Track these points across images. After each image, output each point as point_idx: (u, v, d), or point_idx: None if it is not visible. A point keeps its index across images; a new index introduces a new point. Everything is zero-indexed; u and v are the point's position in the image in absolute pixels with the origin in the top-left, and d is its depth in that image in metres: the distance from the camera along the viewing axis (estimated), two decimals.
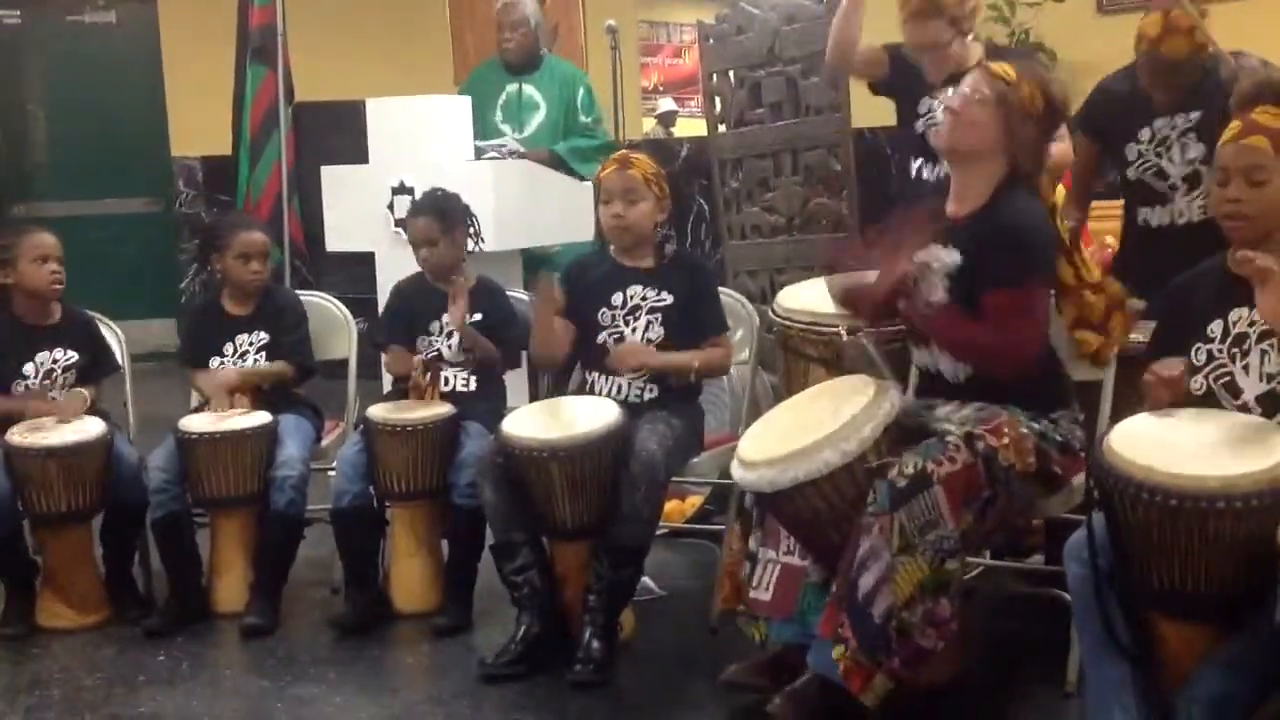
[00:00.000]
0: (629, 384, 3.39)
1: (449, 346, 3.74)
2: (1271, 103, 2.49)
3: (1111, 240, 3.81)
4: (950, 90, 3.46)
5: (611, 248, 3.51)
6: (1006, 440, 2.64)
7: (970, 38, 3.61)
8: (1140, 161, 3.40)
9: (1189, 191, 3.35)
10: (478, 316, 3.73)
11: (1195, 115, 3.30)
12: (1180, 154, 3.33)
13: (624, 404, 3.31)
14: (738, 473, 2.73)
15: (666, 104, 11.83)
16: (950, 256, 2.78)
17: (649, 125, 11.51)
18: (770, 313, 3.64)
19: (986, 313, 2.70)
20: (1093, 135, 3.58)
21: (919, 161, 3.78)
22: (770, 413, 2.94)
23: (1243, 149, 2.48)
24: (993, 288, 2.69)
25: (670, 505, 4.23)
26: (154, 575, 3.79)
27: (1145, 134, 3.38)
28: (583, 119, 5.35)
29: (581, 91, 5.37)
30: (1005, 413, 2.69)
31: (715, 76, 5.26)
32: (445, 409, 3.63)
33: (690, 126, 10.01)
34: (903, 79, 3.78)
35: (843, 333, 3.22)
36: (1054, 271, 2.79)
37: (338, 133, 5.95)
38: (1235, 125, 2.52)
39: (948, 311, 2.78)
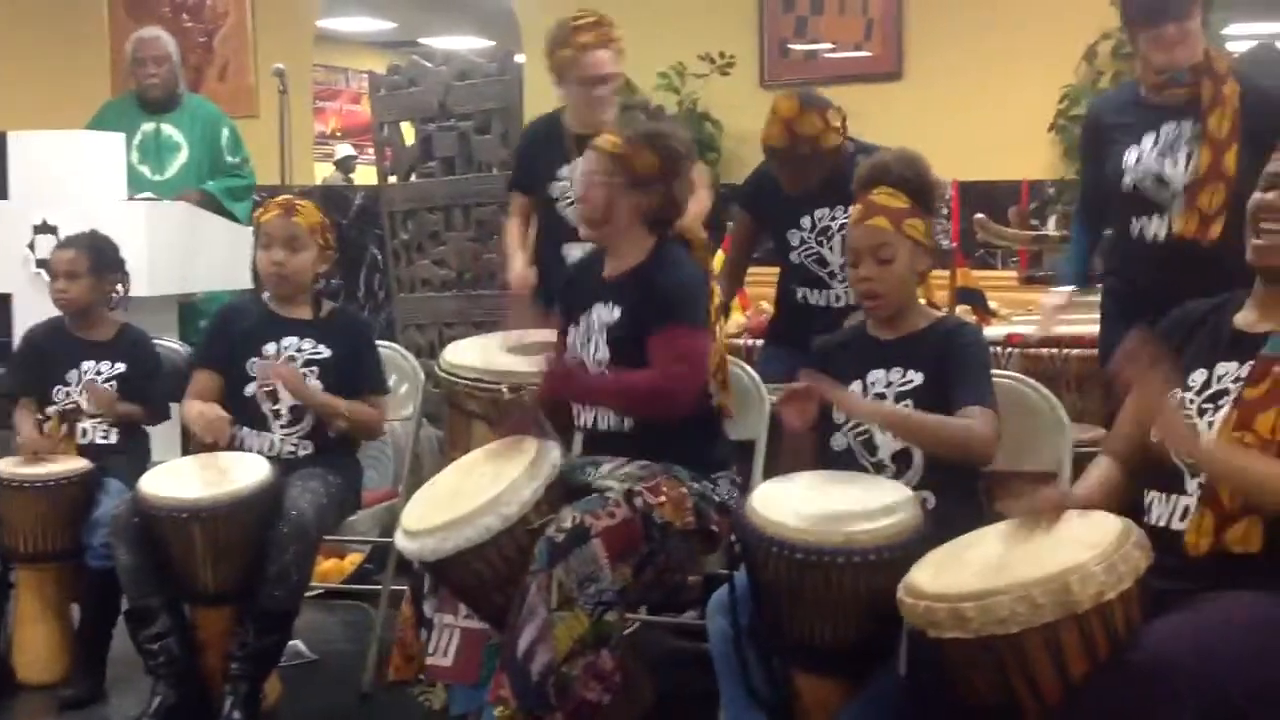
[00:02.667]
0: (281, 440, 3.27)
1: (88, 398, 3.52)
2: (888, 184, 2.64)
3: (767, 306, 3.93)
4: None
5: (266, 295, 3.39)
6: (664, 498, 2.67)
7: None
8: (802, 248, 3.52)
9: (847, 279, 3.49)
10: (120, 368, 3.52)
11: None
12: (840, 245, 3.44)
13: (276, 460, 3.19)
14: (401, 541, 2.64)
15: (345, 149, 11.62)
16: (611, 313, 2.82)
17: (327, 171, 11.30)
18: (436, 368, 3.60)
19: (651, 355, 2.73)
20: (754, 214, 3.70)
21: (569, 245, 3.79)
22: (436, 477, 2.85)
23: (868, 230, 2.62)
24: (655, 330, 2.73)
25: (328, 564, 4.10)
26: None
27: (807, 222, 3.50)
28: (229, 159, 5.17)
29: (226, 132, 5.19)
30: (666, 471, 2.73)
31: (386, 127, 5.20)
32: (80, 464, 3.41)
33: (371, 174, 9.87)
34: (530, 170, 3.86)
35: (505, 390, 3.21)
36: (709, 320, 2.84)
37: None
38: (858, 208, 2.67)
39: (603, 379, 2.81)
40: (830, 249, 3.48)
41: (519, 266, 3.78)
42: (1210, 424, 2.16)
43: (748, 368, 3.16)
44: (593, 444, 2.90)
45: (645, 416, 2.77)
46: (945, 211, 4.13)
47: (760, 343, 3.84)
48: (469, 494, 2.62)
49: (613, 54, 3.71)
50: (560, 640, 2.47)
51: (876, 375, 2.63)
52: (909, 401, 2.57)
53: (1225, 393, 2.17)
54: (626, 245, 2.87)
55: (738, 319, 4.10)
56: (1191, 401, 2.21)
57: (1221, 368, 2.20)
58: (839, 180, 3.37)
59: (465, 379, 3.41)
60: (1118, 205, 3.15)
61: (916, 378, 2.59)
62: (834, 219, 3.45)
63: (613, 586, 2.54)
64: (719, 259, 3.80)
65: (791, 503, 2.40)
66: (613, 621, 2.56)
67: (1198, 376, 2.22)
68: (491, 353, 3.50)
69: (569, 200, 3.70)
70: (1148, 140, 3.06)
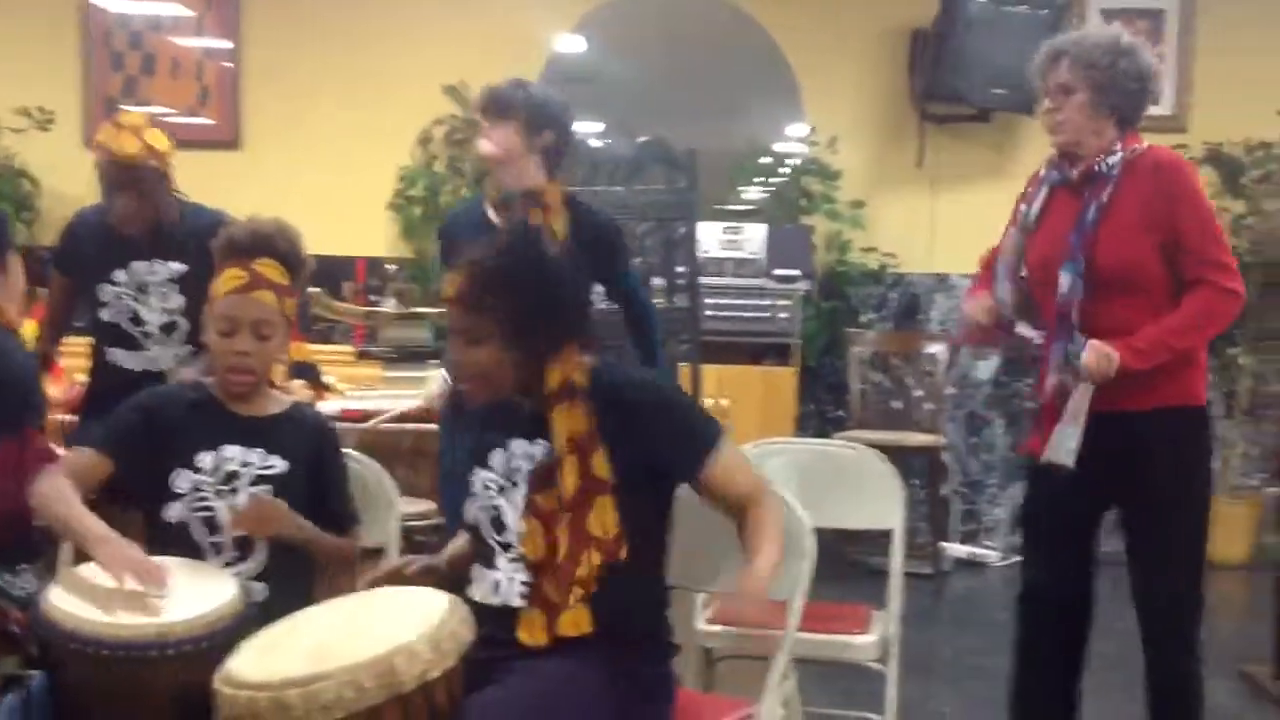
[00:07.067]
0: None
1: None
2: (271, 256, 2.49)
3: (83, 378, 3.65)
4: None
5: None
6: None
7: None
8: (116, 304, 3.31)
9: (166, 339, 3.32)
10: None
11: (178, 267, 3.28)
12: (159, 302, 3.30)
13: None
14: None
15: None
16: None
17: None
18: None
19: None
20: (66, 271, 3.44)
21: None
22: None
23: (254, 302, 2.45)
24: None
25: None
26: None
27: (122, 275, 3.30)
28: None
29: None
30: None
31: None
32: None
33: None
34: None
35: None
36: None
37: None
38: (239, 275, 2.47)
39: None
40: (148, 306, 3.30)
41: None
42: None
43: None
44: None
45: None
46: None
47: (77, 418, 3.55)
48: None
49: None
50: None
51: (233, 451, 2.46)
52: (268, 487, 2.43)
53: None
54: None
55: (52, 393, 3.77)
56: (493, 482, 2.27)
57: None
58: (163, 233, 3.29)
59: None
60: None
61: (280, 464, 2.47)
62: (154, 273, 3.29)
63: None
64: (31, 327, 3.49)
65: (94, 592, 2.18)
66: None
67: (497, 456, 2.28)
68: None
69: None
70: None
